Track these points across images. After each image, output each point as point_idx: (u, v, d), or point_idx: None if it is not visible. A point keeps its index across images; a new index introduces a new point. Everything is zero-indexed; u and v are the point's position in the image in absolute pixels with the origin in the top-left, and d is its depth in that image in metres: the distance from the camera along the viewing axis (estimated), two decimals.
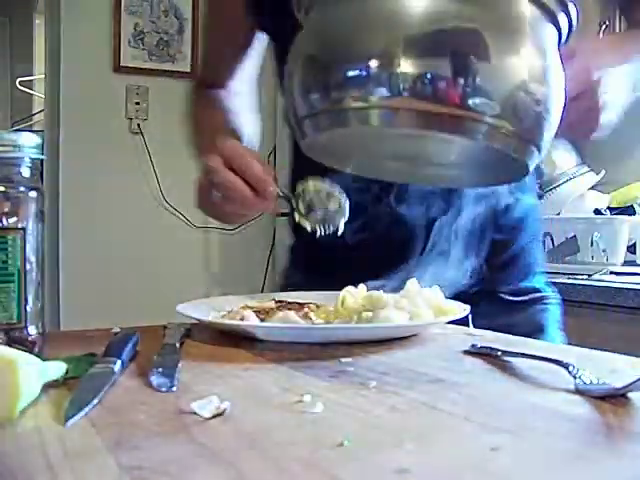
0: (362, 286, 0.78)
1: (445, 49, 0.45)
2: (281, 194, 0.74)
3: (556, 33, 0.54)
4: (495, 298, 0.89)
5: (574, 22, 0.53)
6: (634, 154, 2.38)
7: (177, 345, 0.63)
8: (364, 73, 0.46)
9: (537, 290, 0.94)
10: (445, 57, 0.44)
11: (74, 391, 0.47)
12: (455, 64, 0.44)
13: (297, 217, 0.77)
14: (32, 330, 0.56)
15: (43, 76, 2.82)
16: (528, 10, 0.51)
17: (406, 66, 0.44)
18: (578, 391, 0.47)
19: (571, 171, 2.32)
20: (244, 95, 1.05)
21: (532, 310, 0.92)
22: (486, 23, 0.46)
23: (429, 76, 0.44)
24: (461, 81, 0.44)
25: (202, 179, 0.79)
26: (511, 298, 0.91)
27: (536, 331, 0.88)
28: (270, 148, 2.63)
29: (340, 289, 0.75)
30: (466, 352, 0.63)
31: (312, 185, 0.75)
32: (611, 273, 1.86)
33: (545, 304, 0.93)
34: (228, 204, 0.76)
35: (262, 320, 0.70)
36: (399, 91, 0.45)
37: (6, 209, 0.55)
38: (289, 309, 0.72)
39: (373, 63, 0.45)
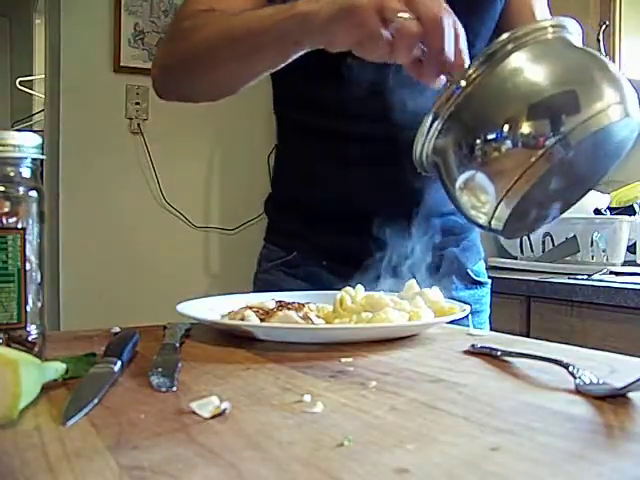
0: (360, 287, 0.78)
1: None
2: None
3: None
4: (465, 274, 1.04)
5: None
6: (634, 154, 2.38)
7: (177, 345, 0.63)
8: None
9: (483, 274, 1.09)
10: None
11: (74, 391, 0.47)
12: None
13: None
14: (32, 330, 0.56)
15: (43, 76, 2.82)
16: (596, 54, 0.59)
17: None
18: (578, 391, 0.47)
19: None
20: None
21: (482, 292, 1.07)
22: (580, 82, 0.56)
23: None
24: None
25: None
26: (474, 277, 1.05)
27: (483, 311, 1.06)
28: (270, 148, 2.63)
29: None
30: (466, 352, 0.63)
31: None
32: (611, 273, 1.86)
33: (487, 287, 1.09)
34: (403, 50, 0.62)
35: (262, 320, 0.70)
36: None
37: (6, 209, 0.55)
38: (289, 309, 0.72)
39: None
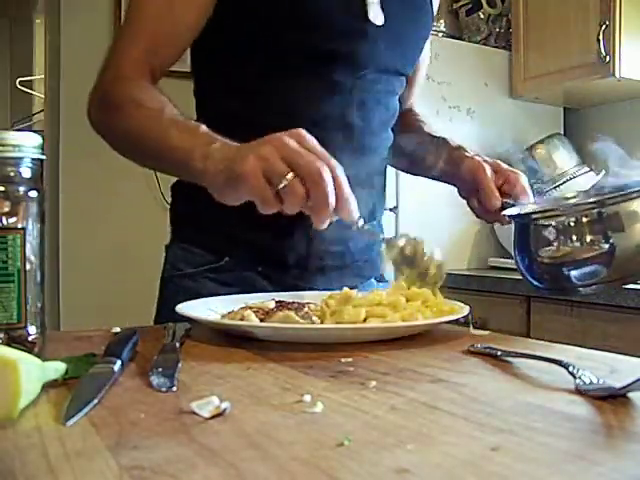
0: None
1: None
2: (365, 227, 0.72)
3: None
4: (379, 276, 1.09)
5: None
6: (634, 154, 2.38)
7: (177, 345, 0.63)
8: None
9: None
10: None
11: (74, 391, 0.47)
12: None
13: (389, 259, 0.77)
14: (32, 330, 0.56)
15: (43, 76, 2.82)
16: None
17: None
18: (578, 391, 0.47)
19: (571, 171, 2.32)
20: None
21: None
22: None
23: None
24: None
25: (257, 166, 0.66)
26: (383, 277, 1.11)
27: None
28: None
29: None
30: (466, 352, 0.63)
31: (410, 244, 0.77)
32: None
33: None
34: (292, 205, 0.67)
35: (262, 320, 0.70)
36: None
37: (6, 209, 0.55)
38: (289, 309, 0.72)
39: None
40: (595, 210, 0.68)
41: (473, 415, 0.42)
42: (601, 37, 2.07)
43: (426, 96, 2.34)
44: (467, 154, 0.99)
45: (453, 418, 0.42)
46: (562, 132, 2.56)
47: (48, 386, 0.48)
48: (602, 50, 2.08)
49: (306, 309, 0.73)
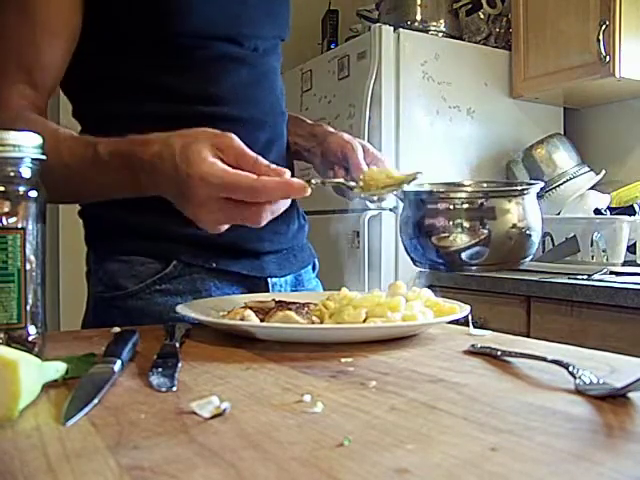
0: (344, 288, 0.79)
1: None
2: (317, 183, 0.70)
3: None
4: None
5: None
6: (634, 154, 2.38)
7: (177, 345, 0.63)
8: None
9: None
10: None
11: (74, 391, 0.47)
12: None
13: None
14: (32, 330, 0.56)
15: None
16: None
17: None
18: (578, 391, 0.47)
19: (571, 171, 2.32)
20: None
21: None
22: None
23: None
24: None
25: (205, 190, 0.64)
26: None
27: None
28: None
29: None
30: (466, 352, 0.63)
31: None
32: (611, 273, 1.86)
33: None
34: (249, 208, 0.65)
35: (262, 320, 0.70)
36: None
37: (6, 209, 0.55)
38: (289, 309, 0.72)
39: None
40: (479, 200, 0.81)
41: (473, 415, 0.42)
42: (601, 37, 2.08)
43: (426, 96, 2.35)
44: (329, 129, 0.98)
45: (453, 418, 0.42)
46: (562, 132, 2.56)
47: (48, 386, 0.48)
48: (602, 50, 2.08)
49: (306, 309, 0.73)
